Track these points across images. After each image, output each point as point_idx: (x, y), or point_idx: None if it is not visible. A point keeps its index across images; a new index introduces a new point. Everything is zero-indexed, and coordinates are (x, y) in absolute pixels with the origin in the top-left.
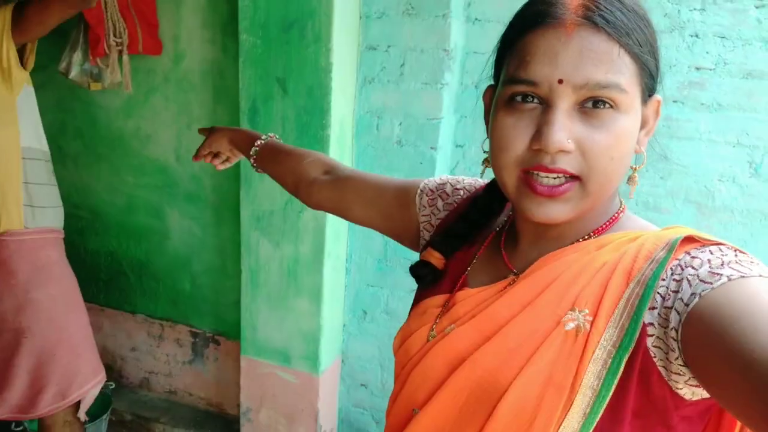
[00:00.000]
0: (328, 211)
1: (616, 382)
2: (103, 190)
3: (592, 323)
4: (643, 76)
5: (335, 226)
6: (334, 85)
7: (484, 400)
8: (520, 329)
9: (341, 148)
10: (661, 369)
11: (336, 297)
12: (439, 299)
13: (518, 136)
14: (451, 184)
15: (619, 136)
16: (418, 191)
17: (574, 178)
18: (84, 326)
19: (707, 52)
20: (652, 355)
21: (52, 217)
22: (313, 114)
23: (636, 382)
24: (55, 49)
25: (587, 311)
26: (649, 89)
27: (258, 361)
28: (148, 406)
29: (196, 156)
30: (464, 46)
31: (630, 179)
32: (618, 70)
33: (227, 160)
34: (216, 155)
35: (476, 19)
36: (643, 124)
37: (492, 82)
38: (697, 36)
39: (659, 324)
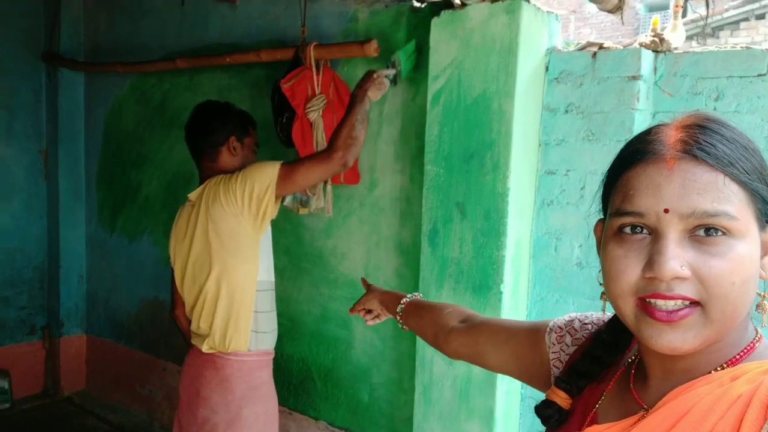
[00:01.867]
0: (465, 359)
1: None
2: (302, 301)
3: None
4: (755, 203)
5: None
6: (511, 209)
7: None
8: None
9: (517, 269)
10: None
11: (510, 425)
12: None
13: (630, 266)
14: (579, 320)
15: (736, 261)
16: (548, 329)
17: (694, 303)
18: None
19: None
20: None
21: (269, 340)
22: (489, 236)
23: None
24: None
25: None
26: (765, 215)
27: None
28: None
29: (352, 309)
30: None
31: (759, 307)
32: (726, 199)
33: (377, 316)
34: (369, 311)
35: None
36: (767, 251)
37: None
38: None
39: None
